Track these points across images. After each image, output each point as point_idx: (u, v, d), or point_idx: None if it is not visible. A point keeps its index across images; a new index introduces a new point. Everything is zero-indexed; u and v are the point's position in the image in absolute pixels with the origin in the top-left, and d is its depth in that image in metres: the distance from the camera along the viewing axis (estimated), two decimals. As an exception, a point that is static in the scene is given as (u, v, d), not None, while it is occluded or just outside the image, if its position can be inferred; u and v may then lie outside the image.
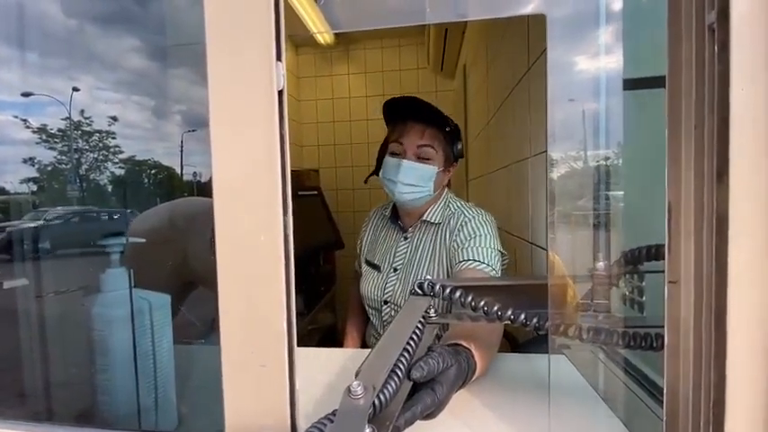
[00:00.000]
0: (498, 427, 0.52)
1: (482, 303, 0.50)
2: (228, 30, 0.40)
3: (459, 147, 0.96)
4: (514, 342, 0.98)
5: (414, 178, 0.89)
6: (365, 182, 1.05)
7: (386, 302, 0.99)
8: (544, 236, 0.95)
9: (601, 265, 0.43)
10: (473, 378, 0.60)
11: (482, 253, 0.86)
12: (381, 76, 2.97)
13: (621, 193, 0.47)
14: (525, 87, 1.08)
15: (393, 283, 0.99)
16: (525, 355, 0.76)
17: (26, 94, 0.92)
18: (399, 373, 0.42)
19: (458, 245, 0.90)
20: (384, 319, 1.01)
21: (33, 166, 0.96)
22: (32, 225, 0.96)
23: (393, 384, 0.40)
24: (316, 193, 2.09)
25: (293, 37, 2.86)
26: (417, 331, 0.49)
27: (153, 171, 1.10)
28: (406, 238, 1.01)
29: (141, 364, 0.46)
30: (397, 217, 1.03)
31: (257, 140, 0.40)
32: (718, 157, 0.29)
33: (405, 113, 0.93)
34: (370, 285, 1.03)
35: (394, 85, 2.94)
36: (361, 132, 2.92)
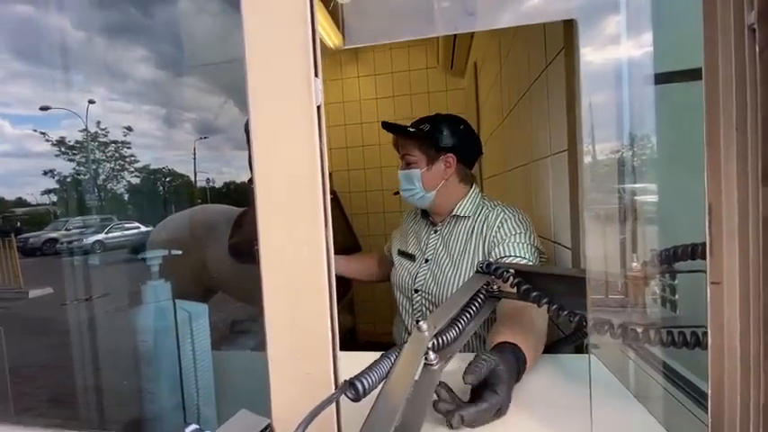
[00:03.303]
0: (539, 428, 0.53)
1: (534, 294, 0.56)
2: (267, 47, 0.41)
3: (442, 140, 1.02)
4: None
5: (406, 183, 1.05)
6: (394, 194, 1.17)
7: (416, 291, 1.07)
8: (568, 234, 0.94)
9: (636, 264, 0.43)
10: (526, 368, 0.65)
11: (523, 249, 0.92)
12: (391, 77, 2.97)
13: (653, 189, 0.47)
14: (543, 85, 1.07)
15: (424, 272, 1.06)
16: (552, 355, 0.76)
17: (44, 108, 0.94)
18: (459, 324, 0.51)
19: (498, 240, 0.96)
20: (415, 307, 1.08)
21: (53, 177, 0.99)
22: (54, 235, 0.98)
23: (453, 331, 0.50)
24: (332, 197, 2.10)
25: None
26: (479, 300, 0.58)
27: (168, 179, 1.12)
28: (435, 231, 1.09)
29: (183, 371, 0.48)
30: (428, 214, 1.13)
31: (298, 155, 0.41)
32: (763, 159, 0.29)
33: (393, 134, 1.10)
34: (403, 274, 1.11)
35: (403, 85, 2.94)
36: (373, 134, 2.93)
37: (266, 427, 0.26)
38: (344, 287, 1.78)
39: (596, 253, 0.46)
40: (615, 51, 0.43)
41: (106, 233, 1.01)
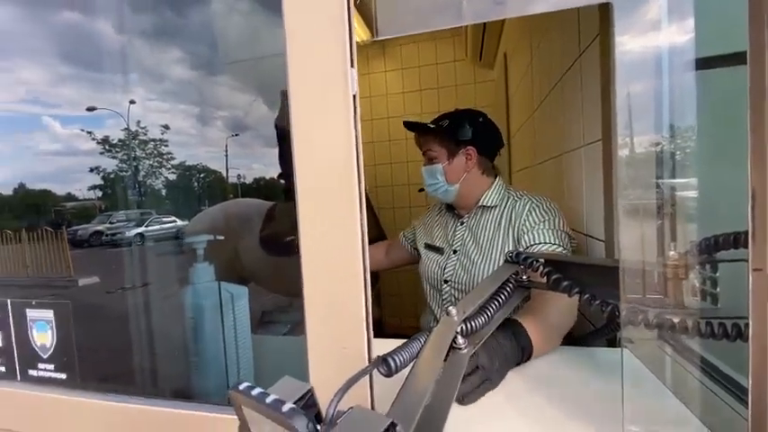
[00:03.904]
0: (572, 423, 0.53)
1: (564, 283, 0.57)
2: (306, 40, 0.43)
3: (461, 134, 1.04)
4: (568, 335, 0.96)
5: (430, 178, 1.07)
6: (419, 191, 1.21)
7: (446, 281, 1.09)
8: (601, 227, 0.92)
9: (673, 253, 0.42)
10: (532, 352, 0.67)
11: (553, 235, 0.93)
12: (418, 71, 2.96)
13: (693, 179, 0.45)
14: (576, 74, 1.04)
15: (453, 263, 1.08)
16: (584, 348, 0.75)
17: (90, 109, 1.02)
18: (489, 311, 0.54)
19: (527, 228, 0.97)
20: (444, 297, 1.11)
21: (98, 174, 1.06)
22: (99, 228, 1.05)
23: (482, 318, 0.52)
24: None
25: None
26: (508, 289, 0.59)
27: (202, 175, 1.18)
28: (462, 223, 1.11)
29: (227, 344, 0.52)
30: (453, 207, 1.15)
31: (335, 143, 0.43)
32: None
33: (415, 132, 1.13)
34: (432, 266, 1.13)
35: (431, 79, 2.92)
36: (400, 129, 2.90)
37: (308, 391, 0.28)
38: (371, 280, 1.81)
39: (632, 243, 0.45)
40: (654, 37, 0.42)
41: (146, 226, 1.07)
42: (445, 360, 0.44)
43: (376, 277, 1.86)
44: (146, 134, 1.08)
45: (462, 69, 2.86)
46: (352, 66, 0.43)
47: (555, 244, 0.92)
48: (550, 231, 0.94)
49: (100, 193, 1.07)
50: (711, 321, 0.42)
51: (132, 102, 1.01)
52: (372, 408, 0.48)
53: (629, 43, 0.42)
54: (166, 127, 1.05)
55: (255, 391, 0.27)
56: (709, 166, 0.47)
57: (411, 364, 0.41)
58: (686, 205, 0.45)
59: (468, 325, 0.50)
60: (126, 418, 0.64)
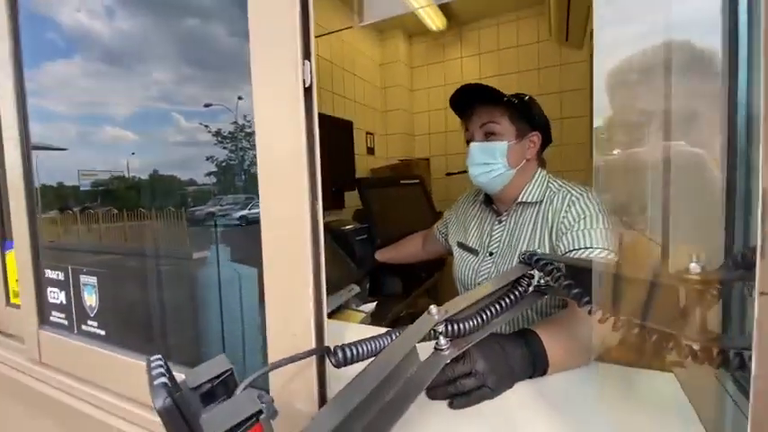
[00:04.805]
0: None
1: (576, 290, 0.50)
2: (264, 32, 0.44)
3: (536, 116, 0.93)
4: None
5: (483, 157, 0.91)
6: (446, 174, 1.12)
7: (479, 285, 1.01)
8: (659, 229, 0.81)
9: (694, 266, 0.35)
10: (548, 366, 0.61)
11: (594, 236, 0.79)
12: (497, 55, 2.83)
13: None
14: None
15: (488, 266, 0.99)
16: (619, 367, 0.67)
17: (207, 105, 1.18)
18: (483, 315, 0.50)
19: (566, 227, 0.83)
20: None
21: (212, 162, 1.22)
22: (212, 209, 1.21)
23: (473, 321, 0.49)
24: (417, 181, 2.14)
25: (406, 27, 2.94)
26: (515, 293, 0.55)
27: None
28: (500, 222, 1.00)
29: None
30: (491, 202, 1.03)
31: (287, 135, 0.44)
32: None
33: (465, 102, 0.97)
34: (465, 268, 1.04)
35: (510, 62, 2.78)
36: (475, 116, 2.86)
37: (227, 371, 0.31)
38: (427, 271, 1.81)
39: (680, 253, 0.40)
40: None
41: (249, 209, 1.21)
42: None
43: (434, 269, 1.85)
44: (250, 127, 1.21)
45: (546, 51, 2.67)
46: (308, 59, 0.43)
47: (600, 248, 0.76)
48: (591, 232, 0.78)
49: (214, 180, 1.23)
50: (741, 352, 0.35)
51: (240, 98, 1.14)
52: (323, 399, 0.48)
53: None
54: None
55: (153, 365, 0.29)
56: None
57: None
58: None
59: (455, 327, 0.47)
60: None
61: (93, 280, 0.98)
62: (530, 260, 0.58)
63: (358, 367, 0.41)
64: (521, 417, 0.54)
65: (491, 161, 0.91)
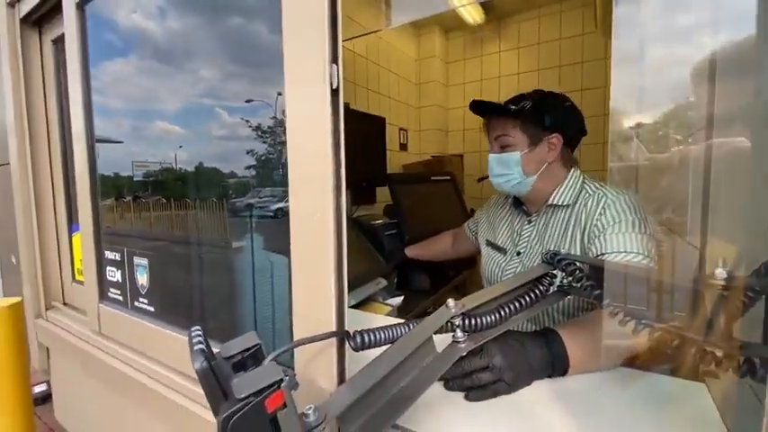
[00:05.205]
0: None
1: (597, 292, 0.50)
2: (295, 37, 0.47)
3: (547, 119, 0.91)
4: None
5: (500, 168, 0.95)
6: (477, 180, 1.12)
7: None
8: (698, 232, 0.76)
9: (720, 271, 0.34)
10: (568, 366, 0.61)
11: (630, 240, 0.75)
12: (537, 49, 2.74)
13: None
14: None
15: (515, 265, 0.99)
16: (647, 373, 0.64)
17: (248, 101, 1.25)
18: (502, 311, 0.52)
19: (598, 231, 0.81)
20: None
21: (252, 156, 1.28)
22: (251, 201, 1.28)
23: (491, 317, 0.50)
24: (448, 178, 2.12)
25: (443, 22, 2.91)
26: (536, 291, 0.56)
27: None
28: (530, 222, 0.99)
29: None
30: (521, 203, 1.03)
31: (316, 133, 0.46)
32: None
33: (483, 115, 1.00)
34: (492, 266, 1.05)
35: (551, 56, 2.68)
36: (511, 112, 2.79)
37: (255, 345, 0.35)
38: (456, 269, 1.80)
39: (716, 256, 0.38)
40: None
41: (285, 202, 1.26)
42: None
43: (463, 267, 1.84)
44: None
45: (591, 43, 2.55)
46: (335, 62, 0.45)
47: (634, 252, 0.74)
48: (627, 236, 0.75)
49: (253, 172, 1.29)
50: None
51: (279, 93, 1.19)
52: (342, 379, 0.51)
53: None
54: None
55: (194, 334, 0.33)
56: None
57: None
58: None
59: (472, 321, 0.48)
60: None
61: (144, 262, 1.10)
62: (552, 260, 0.58)
63: (375, 353, 0.44)
64: (536, 414, 0.54)
65: (507, 171, 0.93)
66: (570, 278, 0.55)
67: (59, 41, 1.39)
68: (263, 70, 1.17)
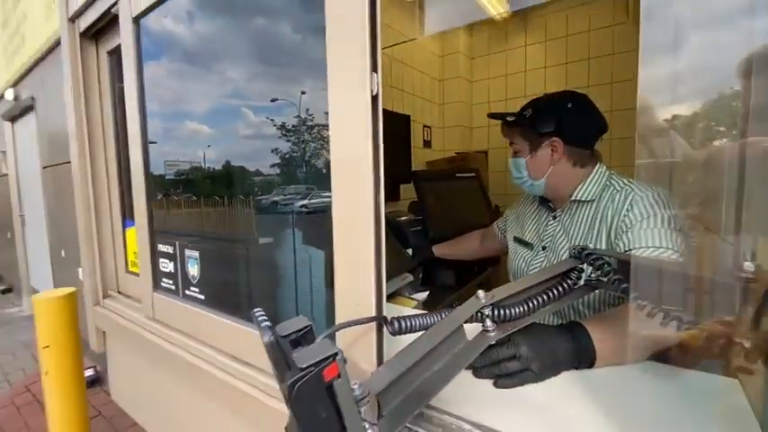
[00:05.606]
0: None
1: (625, 285, 0.51)
2: (339, 46, 0.50)
3: (542, 125, 0.95)
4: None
5: (515, 171, 1.03)
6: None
7: None
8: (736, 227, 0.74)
9: (748, 264, 0.34)
10: (595, 359, 0.62)
11: (659, 235, 0.75)
12: (564, 42, 2.68)
13: None
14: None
15: (540, 260, 1.02)
16: (677, 369, 0.64)
17: (273, 100, 1.29)
18: (531, 303, 0.54)
19: (626, 226, 0.81)
20: None
21: (276, 154, 1.33)
22: (276, 198, 1.33)
23: (520, 308, 0.53)
24: (473, 174, 2.12)
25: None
26: (561, 286, 0.58)
27: None
28: (554, 218, 1.02)
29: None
30: (546, 199, 1.06)
31: (358, 136, 0.51)
32: None
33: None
34: (519, 262, 1.08)
35: (580, 49, 2.60)
36: (538, 107, 2.74)
37: (306, 326, 0.39)
38: (480, 265, 1.80)
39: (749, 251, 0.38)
40: None
41: (309, 199, 1.31)
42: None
43: (488, 264, 1.84)
44: (312, 120, 1.28)
45: (622, 35, 2.47)
46: (374, 70, 0.49)
47: (664, 247, 0.73)
48: (657, 231, 0.75)
49: (278, 171, 1.34)
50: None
51: (303, 92, 1.22)
52: (380, 360, 0.55)
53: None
54: (327, 113, 1.23)
55: (258, 314, 0.37)
56: None
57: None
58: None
59: (501, 312, 0.51)
60: (239, 333, 0.97)
61: (195, 254, 1.20)
62: (580, 254, 0.59)
63: (407, 341, 0.47)
64: (563, 405, 0.56)
65: (519, 175, 1.02)
66: (598, 272, 0.56)
67: (114, 53, 1.53)
68: (287, 70, 1.21)
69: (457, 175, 2.05)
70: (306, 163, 1.39)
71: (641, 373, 0.64)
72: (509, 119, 1.01)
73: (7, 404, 1.90)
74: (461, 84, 2.96)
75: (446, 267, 1.60)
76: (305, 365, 0.33)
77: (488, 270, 1.87)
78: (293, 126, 1.35)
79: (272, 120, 1.32)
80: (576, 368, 0.63)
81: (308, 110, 1.33)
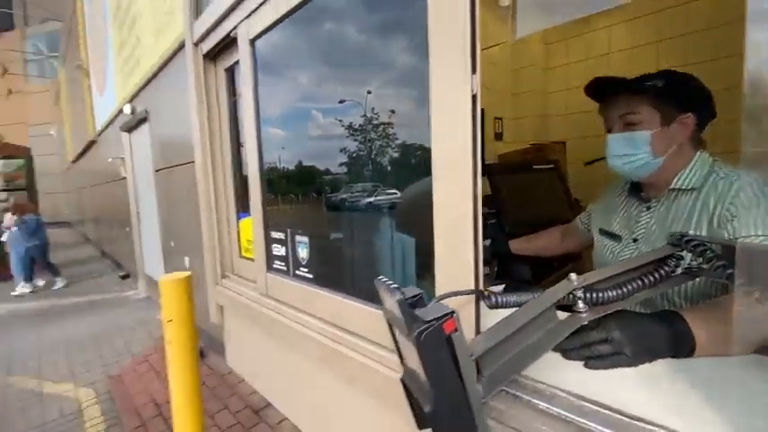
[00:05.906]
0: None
1: (730, 271, 0.50)
2: (440, 50, 0.54)
3: (684, 98, 0.86)
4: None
5: (623, 148, 0.90)
6: (585, 164, 1.08)
7: None
8: None
9: None
10: (694, 347, 0.59)
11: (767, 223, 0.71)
12: (655, 18, 2.44)
13: None
14: None
15: (630, 252, 0.96)
16: None
17: (341, 101, 1.36)
18: (626, 288, 0.55)
19: (730, 215, 0.76)
20: None
21: (344, 153, 1.39)
22: (344, 196, 1.40)
23: (614, 292, 0.54)
24: (552, 166, 2.02)
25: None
26: (658, 272, 0.57)
27: (418, 152, 1.38)
28: (648, 209, 0.95)
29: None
30: (639, 189, 1.00)
31: (458, 133, 0.56)
32: None
33: (603, 93, 0.95)
34: (605, 253, 1.03)
35: (676, 25, 2.33)
36: (623, 92, 2.52)
37: (418, 294, 0.43)
38: (560, 261, 1.72)
39: None
40: None
41: (375, 197, 1.36)
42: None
43: (569, 259, 1.75)
44: (377, 119, 1.30)
45: (726, 4, 2.17)
46: (474, 72, 0.52)
47: None
48: (766, 219, 0.70)
49: (346, 169, 1.40)
50: None
51: (369, 92, 1.26)
52: (478, 330, 0.61)
53: None
54: (393, 111, 1.24)
55: (384, 280, 0.44)
56: None
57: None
58: None
59: (594, 295, 0.51)
60: (340, 306, 1.14)
61: (305, 239, 1.42)
62: (680, 241, 0.57)
63: (495, 319, 0.52)
64: (661, 390, 0.55)
65: (632, 152, 0.89)
66: (700, 259, 0.54)
67: (229, 70, 1.83)
68: (356, 71, 1.26)
69: (534, 167, 1.99)
70: (372, 161, 1.42)
71: (745, 362, 0.61)
72: (646, 83, 0.87)
73: (130, 372, 2.28)
74: (535, 72, 2.84)
75: (523, 262, 1.57)
76: (429, 318, 0.40)
77: (568, 266, 1.79)
78: (360, 126, 1.39)
79: (340, 120, 1.38)
80: (674, 356, 0.61)
81: (373, 108, 1.36)
